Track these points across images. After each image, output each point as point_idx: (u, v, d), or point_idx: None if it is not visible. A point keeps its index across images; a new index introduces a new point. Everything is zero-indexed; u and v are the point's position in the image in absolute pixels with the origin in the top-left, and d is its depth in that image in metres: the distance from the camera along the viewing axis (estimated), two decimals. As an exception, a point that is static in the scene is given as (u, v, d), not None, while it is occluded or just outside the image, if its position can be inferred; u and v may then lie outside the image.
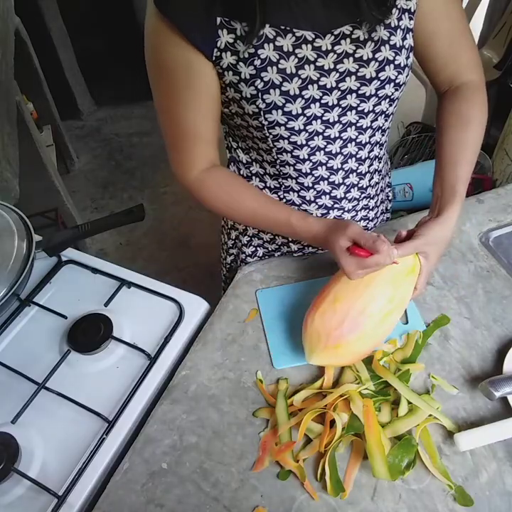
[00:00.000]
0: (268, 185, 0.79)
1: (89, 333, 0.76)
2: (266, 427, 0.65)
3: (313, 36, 0.61)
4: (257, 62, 0.60)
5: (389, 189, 0.96)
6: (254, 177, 0.80)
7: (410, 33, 0.66)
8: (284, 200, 0.79)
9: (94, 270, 0.87)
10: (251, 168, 0.79)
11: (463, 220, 0.90)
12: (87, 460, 0.63)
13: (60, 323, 0.80)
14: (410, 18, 0.65)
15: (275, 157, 0.72)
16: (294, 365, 0.72)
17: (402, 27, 0.64)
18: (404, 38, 0.65)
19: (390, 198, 0.97)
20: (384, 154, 0.82)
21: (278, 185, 0.78)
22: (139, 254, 2.26)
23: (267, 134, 0.67)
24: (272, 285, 0.83)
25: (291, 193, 0.78)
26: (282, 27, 0.59)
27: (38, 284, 0.86)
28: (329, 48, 0.62)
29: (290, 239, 0.87)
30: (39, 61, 2.16)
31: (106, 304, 0.82)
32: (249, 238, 0.90)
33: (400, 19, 0.64)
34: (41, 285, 0.86)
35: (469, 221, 0.90)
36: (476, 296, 0.78)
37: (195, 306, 0.81)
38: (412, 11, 0.65)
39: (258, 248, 0.91)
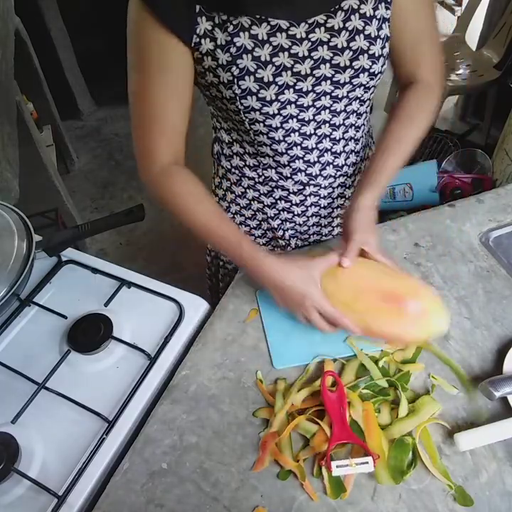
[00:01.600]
0: (248, 163, 0.82)
1: (89, 333, 0.76)
2: (266, 427, 0.65)
3: (288, 25, 0.62)
4: (233, 50, 0.62)
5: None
6: (235, 156, 0.83)
7: (386, 22, 0.67)
8: (263, 177, 0.82)
9: (94, 270, 0.87)
10: (232, 148, 0.82)
11: (463, 220, 0.90)
12: (87, 460, 0.63)
13: (60, 323, 0.80)
14: (387, 8, 0.66)
15: (252, 138, 0.75)
16: (294, 365, 0.72)
17: (378, 17, 0.65)
18: (379, 28, 0.66)
19: None
20: (362, 137, 0.83)
21: (257, 164, 0.81)
22: (139, 254, 2.26)
23: (244, 118, 0.69)
24: (272, 285, 0.83)
25: (269, 169, 0.81)
26: (258, 16, 0.61)
27: (38, 284, 0.86)
28: (304, 36, 0.63)
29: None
30: (39, 61, 2.16)
31: (106, 304, 0.82)
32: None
33: (375, 9, 0.65)
34: (41, 285, 0.86)
35: (469, 221, 0.90)
36: (476, 296, 0.78)
37: (195, 306, 0.81)
38: (389, 1, 0.66)
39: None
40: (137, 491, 0.61)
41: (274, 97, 0.66)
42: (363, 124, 0.80)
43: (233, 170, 0.84)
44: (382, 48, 0.67)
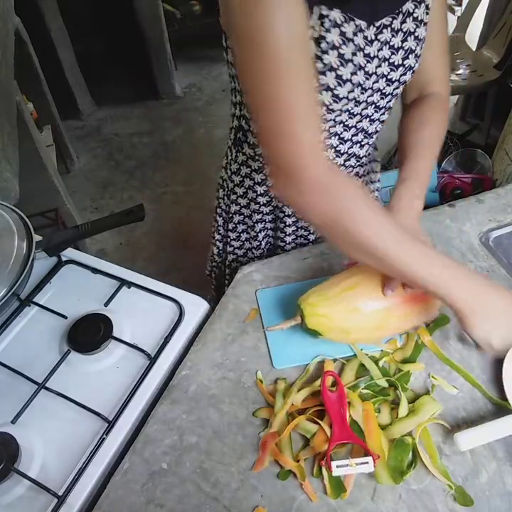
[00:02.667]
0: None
1: (89, 333, 0.76)
2: (266, 427, 0.65)
3: (366, 25, 0.63)
4: (324, 46, 0.60)
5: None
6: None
7: (425, 26, 0.69)
8: None
9: (94, 270, 0.87)
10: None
11: (463, 220, 0.90)
12: (87, 460, 0.63)
13: (60, 323, 0.80)
14: (426, 13, 0.69)
15: None
16: (294, 365, 0.72)
17: (425, 20, 0.69)
18: (425, 31, 0.68)
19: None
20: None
21: None
22: (139, 254, 2.26)
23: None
24: (272, 285, 0.83)
25: None
26: (348, 14, 0.61)
27: (38, 284, 0.86)
28: (373, 37, 0.65)
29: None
30: (39, 61, 2.17)
31: (106, 304, 0.82)
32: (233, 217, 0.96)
33: (425, 13, 0.68)
34: (41, 285, 0.86)
35: (469, 221, 0.90)
36: (476, 296, 0.78)
37: (195, 306, 0.81)
38: (421, 37, 0.69)
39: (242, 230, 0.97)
40: (137, 491, 0.61)
41: (345, 95, 0.67)
42: (384, 121, 0.81)
43: (257, 157, 0.85)
44: (421, 48, 0.71)
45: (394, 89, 0.73)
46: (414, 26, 0.67)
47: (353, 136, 0.78)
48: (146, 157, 2.83)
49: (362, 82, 0.67)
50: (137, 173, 2.73)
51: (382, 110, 0.76)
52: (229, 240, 1.01)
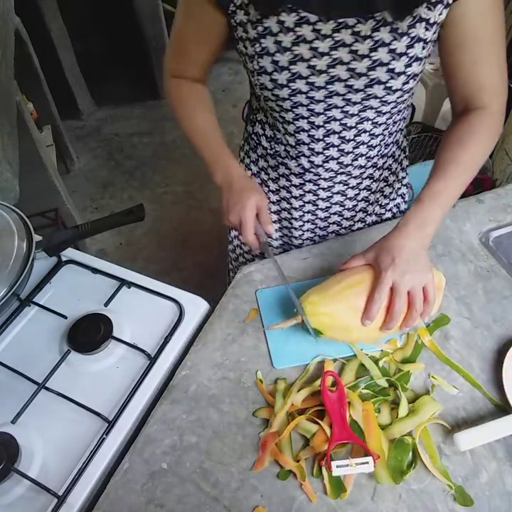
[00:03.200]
0: (265, 133, 0.87)
1: (89, 333, 0.76)
2: (266, 427, 0.65)
3: (316, 19, 0.63)
4: (260, 29, 0.65)
5: (380, 185, 0.93)
6: (257, 123, 0.89)
7: (422, 43, 0.64)
8: (273, 150, 0.87)
9: (94, 270, 0.87)
10: (257, 115, 0.88)
11: (463, 220, 0.90)
12: (87, 460, 0.63)
13: (60, 323, 0.80)
14: (427, 29, 0.63)
15: (275, 116, 0.79)
16: (294, 365, 0.72)
17: (412, 35, 0.63)
18: (410, 46, 0.63)
19: (378, 193, 0.94)
20: (379, 145, 0.81)
21: (272, 136, 0.86)
22: (139, 254, 2.26)
23: (260, 93, 0.75)
24: (272, 285, 0.83)
25: (279, 145, 0.85)
26: (289, 6, 0.63)
27: (38, 284, 0.86)
28: (329, 33, 0.64)
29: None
30: (39, 61, 2.16)
31: (106, 304, 0.82)
32: None
33: (411, 27, 0.62)
34: (41, 285, 0.86)
35: (469, 221, 0.90)
36: (476, 296, 0.78)
37: (195, 306, 0.81)
38: (432, 22, 0.63)
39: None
40: (137, 491, 0.61)
41: (285, 82, 0.69)
42: (382, 134, 0.79)
43: (253, 136, 0.91)
44: (407, 66, 0.65)
45: (363, 100, 0.70)
46: (391, 38, 0.62)
47: (324, 136, 0.77)
48: (146, 157, 2.82)
49: (304, 75, 0.67)
50: (137, 173, 2.73)
51: (356, 118, 0.73)
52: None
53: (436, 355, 0.70)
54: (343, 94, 0.69)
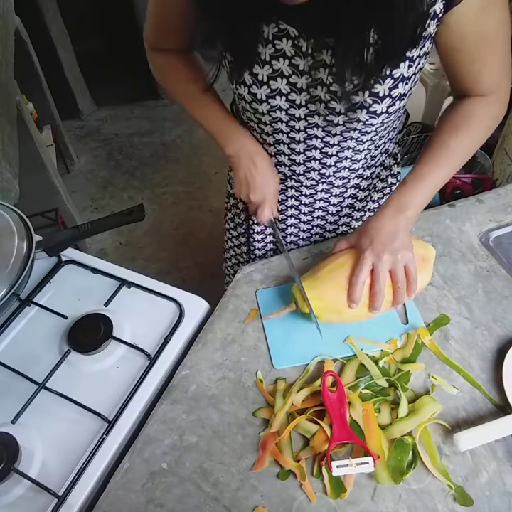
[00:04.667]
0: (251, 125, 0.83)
1: (89, 333, 0.76)
2: (266, 427, 0.65)
3: (297, 34, 0.60)
4: None
5: (369, 194, 0.92)
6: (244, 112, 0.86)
7: (404, 81, 0.62)
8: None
9: (94, 270, 0.87)
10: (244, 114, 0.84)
11: (463, 220, 0.90)
12: (87, 460, 0.63)
13: (60, 323, 0.80)
14: (409, 66, 0.60)
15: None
16: (294, 365, 0.72)
17: (396, 75, 0.60)
18: (393, 87, 0.62)
19: (367, 201, 0.93)
20: (365, 158, 0.80)
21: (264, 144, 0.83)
22: (139, 254, 2.26)
23: (238, 102, 0.74)
24: (272, 285, 0.83)
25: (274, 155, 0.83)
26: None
27: (38, 284, 0.86)
28: (309, 51, 0.61)
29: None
30: (39, 61, 2.16)
31: (106, 304, 0.82)
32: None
33: (394, 67, 0.60)
34: (41, 285, 0.86)
35: (469, 221, 0.90)
36: (476, 296, 0.78)
37: (195, 306, 0.81)
38: (415, 57, 0.60)
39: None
40: (137, 491, 0.61)
41: (264, 98, 0.67)
42: (367, 149, 0.77)
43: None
44: (392, 88, 0.62)
45: (345, 122, 0.68)
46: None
47: (305, 150, 0.76)
48: (146, 157, 2.82)
49: (284, 92, 0.65)
50: (137, 173, 2.73)
51: (338, 137, 0.72)
52: (233, 235, 1.02)
53: (436, 355, 0.71)
54: (325, 115, 0.67)
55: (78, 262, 0.89)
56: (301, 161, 0.79)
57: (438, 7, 0.56)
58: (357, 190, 0.88)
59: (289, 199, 0.89)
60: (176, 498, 0.60)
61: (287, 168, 0.82)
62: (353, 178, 0.84)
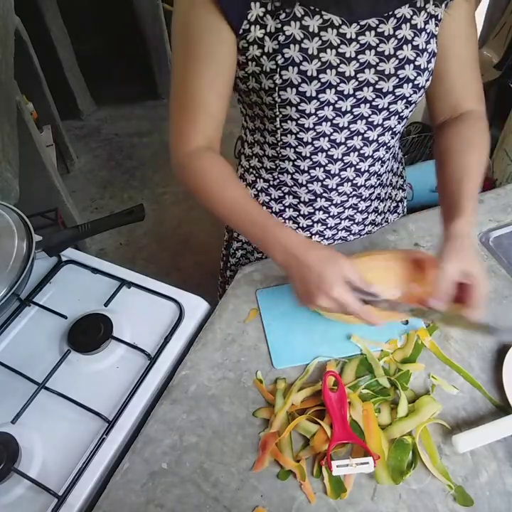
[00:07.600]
0: (265, 165, 0.81)
1: (89, 333, 0.76)
2: (266, 427, 0.65)
3: (340, 22, 0.61)
4: (281, 38, 0.61)
5: (386, 204, 0.92)
6: (254, 157, 0.83)
7: (434, 38, 0.66)
8: (277, 180, 0.82)
9: (94, 270, 0.87)
10: (253, 149, 0.82)
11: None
12: (87, 460, 0.63)
13: (60, 323, 0.80)
14: (436, 25, 0.66)
15: (278, 138, 0.73)
16: (294, 365, 0.72)
17: (428, 30, 0.65)
18: (427, 42, 0.65)
19: (385, 213, 0.93)
20: (389, 160, 0.82)
21: (274, 167, 0.80)
22: (139, 254, 2.26)
23: (277, 113, 0.68)
24: (272, 285, 0.83)
25: (285, 174, 0.80)
26: (311, 7, 0.60)
27: (38, 284, 0.86)
28: (353, 36, 0.62)
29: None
30: (39, 61, 2.16)
31: (106, 304, 0.82)
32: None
33: (426, 22, 0.64)
34: (41, 285, 0.86)
35: (469, 221, 0.90)
36: (476, 296, 0.78)
37: (195, 306, 0.81)
38: (439, 18, 0.66)
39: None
40: (137, 491, 0.61)
41: (314, 94, 0.65)
42: (394, 146, 0.78)
43: (251, 170, 0.84)
44: (428, 61, 0.66)
45: (390, 104, 0.68)
46: (412, 34, 0.64)
47: (344, 155, 0.74)
48: (146, 157, 2.82)
49: (334, 83, 0.64)
50: (137, 173, 2.73)
51: (379, 129, 0.71)
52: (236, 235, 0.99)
53: (436, 355, 0.71)
54: (371, 100, 0.67)
55: (78, 262, 0.89)
56: (337, 171, 0.76)
57: (440, 12, 0.65)
58: (378, 202, 0.88)
59: (315, 224, 0.86)
60: (176, 498, 0.60)
61: (320, 183, 0.78)
62: (377, 187, 0.84)
